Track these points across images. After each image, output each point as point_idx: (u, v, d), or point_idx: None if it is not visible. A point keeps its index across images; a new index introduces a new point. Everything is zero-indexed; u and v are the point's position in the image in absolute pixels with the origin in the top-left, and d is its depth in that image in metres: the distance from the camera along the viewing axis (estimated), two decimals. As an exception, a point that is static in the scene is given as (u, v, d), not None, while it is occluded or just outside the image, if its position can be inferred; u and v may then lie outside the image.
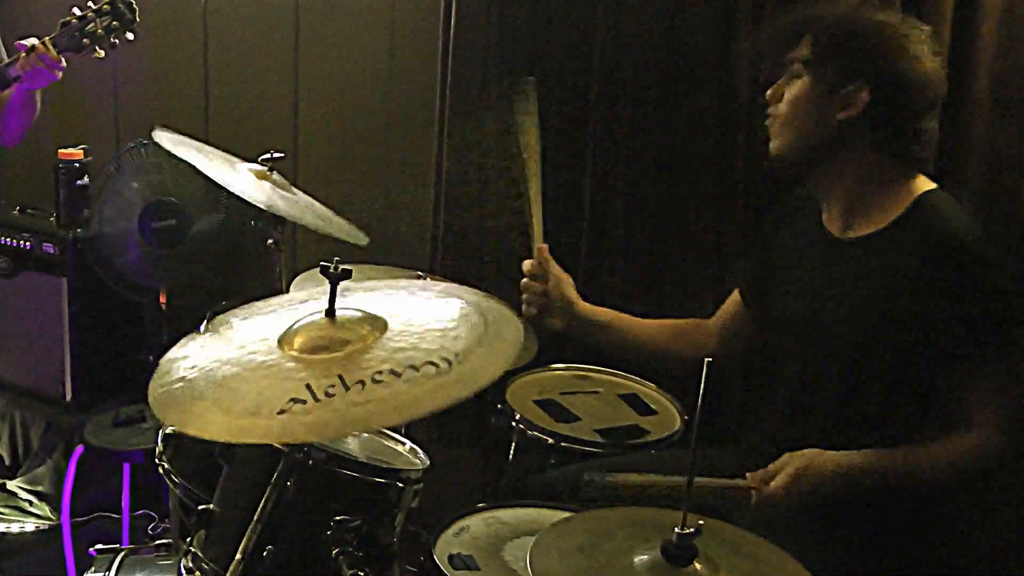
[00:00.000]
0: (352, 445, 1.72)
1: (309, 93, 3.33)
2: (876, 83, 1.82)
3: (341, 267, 1.43)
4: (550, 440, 2.20)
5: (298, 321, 1.47)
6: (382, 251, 2.54)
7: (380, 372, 1.32)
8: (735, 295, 2.25)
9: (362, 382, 1.30)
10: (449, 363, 1.31)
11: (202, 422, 1.31)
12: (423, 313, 1.48)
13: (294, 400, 1.28)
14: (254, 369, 1.38)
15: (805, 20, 1.92)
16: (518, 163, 2.18)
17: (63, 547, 2.88)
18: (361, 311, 1.47)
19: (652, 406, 2.39)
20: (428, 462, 1.69)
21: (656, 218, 2.73)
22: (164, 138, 2.21)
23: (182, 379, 1.40)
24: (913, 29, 1.86)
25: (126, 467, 2.78)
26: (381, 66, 3.19)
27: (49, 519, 3.25)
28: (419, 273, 2.47)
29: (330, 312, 1.43)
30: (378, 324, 1.43)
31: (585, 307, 2.27)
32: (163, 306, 3.19)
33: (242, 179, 2.25)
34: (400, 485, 1.57)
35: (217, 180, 2.13)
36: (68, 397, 3.32)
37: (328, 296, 1.44)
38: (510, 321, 1.45)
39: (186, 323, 3.17)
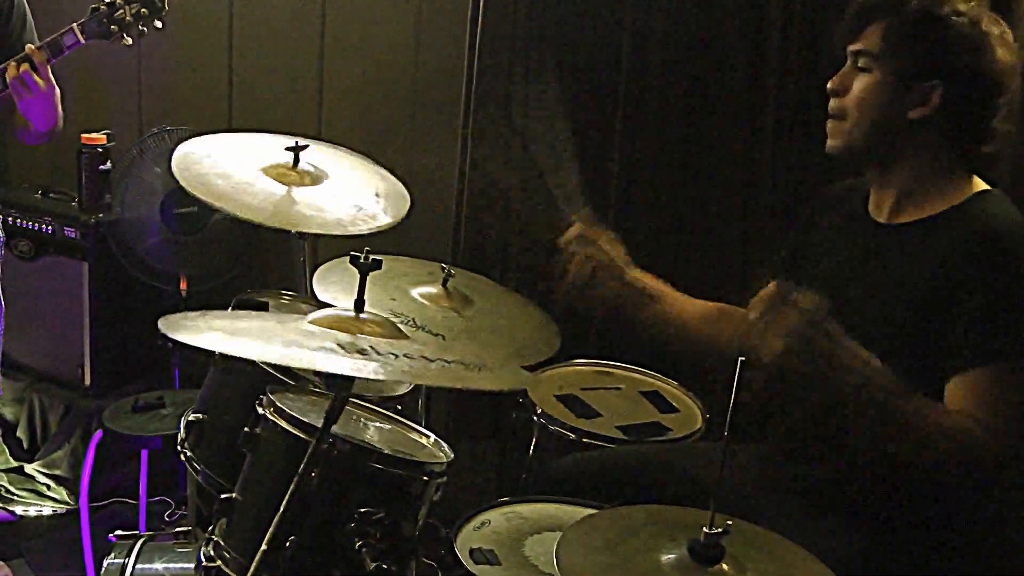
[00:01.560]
0: (375, 437, 1.71)
1: (334, 81, 3.32)
2: (952, 81, 1.74)
3: (372, 258, 1.42)
4: (572, 436, 2.19)
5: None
6: (404, 242, 2.53)
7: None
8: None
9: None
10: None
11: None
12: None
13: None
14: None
15: (875, 7, 1.80)
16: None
17: (80, 531, 2.89)
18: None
19: (674, 404, 2.38)
20: (452, 455, 1.68)
21: (683, 213, 2.71)
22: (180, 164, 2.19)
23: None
24: (993, 23, 1.77)
25: (144, 453, 2.78)
26: (407, 54, 3.18)
27: (66, 503, 3.25)
28: (442, 265, 2.46)
29: (358, 305, 1.42)
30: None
31: (637, 273, 2.15)
32: (183, 292, 3.21)
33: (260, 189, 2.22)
34: (424, 479, 1.56)
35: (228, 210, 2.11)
36: (87, 381, 3.33)
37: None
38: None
39: (207, 309, 3.23)
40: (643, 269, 2.30)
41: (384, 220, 2.23)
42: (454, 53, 2.93)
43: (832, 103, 1.85)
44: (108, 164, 3.32)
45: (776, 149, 2.58)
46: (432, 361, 1.30)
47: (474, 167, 2.84)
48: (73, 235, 3.29)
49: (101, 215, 3.29)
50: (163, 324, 1.40)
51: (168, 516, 3.14)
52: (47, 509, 3.24)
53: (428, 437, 1.75)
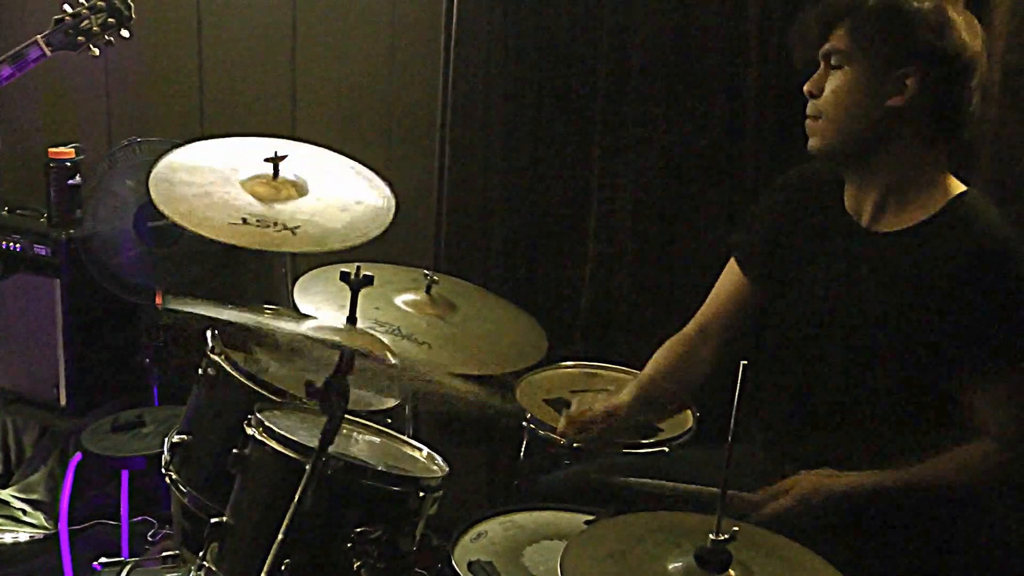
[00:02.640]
0: (368, 452, 1.67)
1: (307, 90, 3.27)
2: (925, 66, 1.75)
3: (363, 274, 1.38)
4: (562, 440, 2.16)
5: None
6: (383, 249, 2.49)
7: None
8: (732, 268, 2.12)
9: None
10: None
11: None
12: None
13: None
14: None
15: (840, 7, 1.82)
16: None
17: (60, 556, 2.82)
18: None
19: (664, 404, 2.35)
20: (447, 468, 1.64)
21: (664, 218, 2.67)
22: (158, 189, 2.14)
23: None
24: (955, 9, 1.78)
25: (124, 474, 2.72)
26: (381, 61, 3.13)
27: (44, 528, 3.18)
28: (425, 272, 2.42)
29: (351, 320, 1.37)
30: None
31: (624, 400, 2.12)
32: (159, 307, 3.15)
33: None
34: (421, 494, 1.52)
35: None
36: (62, 401, 3.26)
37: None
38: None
39: (182, 324, 3.17)
40: (623, 275, 2.29)
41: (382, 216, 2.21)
42: (431, 54, 2.89)
43: (809, 106, 1.86)
44: (78, 178, 3.25)
45: (759, 149, 2.56)
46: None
47: (453, 171, 2.80)
48: (44, 252, 3.21)
49: (72, 231, 3.21)
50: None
51: (151, 536, 3.07)
52: (24, 535, 3.16)
53: (421, 450, 1.71)
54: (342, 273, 1.40)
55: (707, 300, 2.18)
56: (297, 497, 1.36)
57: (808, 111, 1.87)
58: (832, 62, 1.82)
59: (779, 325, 2.02)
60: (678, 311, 2.31)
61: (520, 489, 2.24)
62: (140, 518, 3.08)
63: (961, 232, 1.75)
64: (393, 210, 2.25)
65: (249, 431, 1.58)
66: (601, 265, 2.73)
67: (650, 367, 2.19)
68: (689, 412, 2.30)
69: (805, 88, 1.86)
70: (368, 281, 1.39)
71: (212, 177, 2.23)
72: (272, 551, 1.37)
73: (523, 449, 2.25)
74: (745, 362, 1.27)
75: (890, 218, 1.85)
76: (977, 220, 1.76)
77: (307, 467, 1.40)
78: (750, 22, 2.49)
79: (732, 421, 1.27)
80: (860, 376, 1.83)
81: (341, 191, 2.28)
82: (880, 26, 1.77)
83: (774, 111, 2.51)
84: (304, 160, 2.33)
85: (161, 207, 2.11)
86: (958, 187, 1.83)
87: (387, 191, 2.31)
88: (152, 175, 2.20)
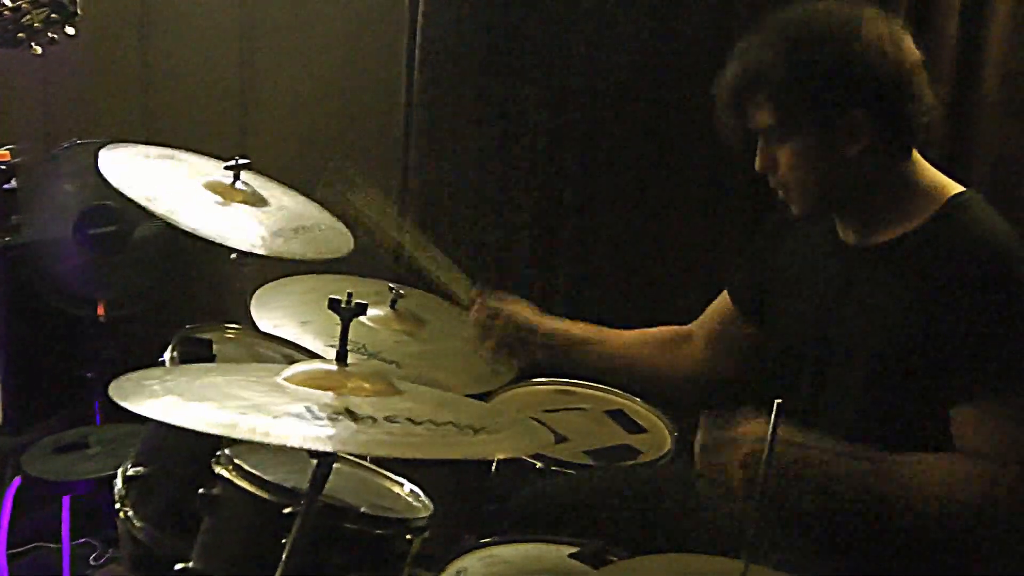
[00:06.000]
0: (347, 490, 1.56)
1: (259, 91, 3.15)
2: (867, 98, 1.64)
3: (356, 302, 1.26)
4: (538, 464, 2.07)
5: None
6: (343, 261, 2.39)
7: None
8: (724, 299, 2.09)
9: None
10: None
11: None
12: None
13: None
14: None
15: (747, 82, 1.68)
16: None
17: (-1, 583, 2.67)
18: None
19: (641, 423, 2.28)
20: (432, 507, 1.53)
21: (644, 223, 2.61)
22: (108, 163, 2.01)
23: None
24: (854, 14, 1.66)
25: (65, 501, 2.58)
26: (339, 61, 3.02)
27: (-21, 553, 3.01)
28: (390, 285, 2.31)
29: (341, 356, 1.26)
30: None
31: (557, 326, 2.14)
32: (102, 319, 3.01)
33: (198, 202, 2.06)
34: (408, 537, 1.42)
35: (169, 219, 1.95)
36: (0, 419, 3.09)
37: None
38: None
39: (128, 337, 3.04)
40: (601, 282, 2.23)
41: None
42: (392, 54, 2.79)
43: (771, 180, 1.76)
44: (14, 182, 3.08)
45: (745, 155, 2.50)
46: (418, 424, 1.15)
47: (418, 176, 2.70)
48: (-22, 261, 3.05)
49: (9, 238, 3.05)
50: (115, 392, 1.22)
51: (94, 560, 2.92)
52: (-43, 561, 2.99)
53: (402, 485, 1.61)
54: (331, 300, 1.29)
55: (706, 310, 2.14)
56: (287, 550, 1.24)
57: (772, 185, 1.77)
58: (771, 139, 1.71)
59: (774, 351, 1.95)
60: (661, 321, 2.24)
61: (491, 515, 2.16)
62: (82, 540, 2.92)
63: (956, 239, 1.66)
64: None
65: (218, 470, 1.46)
66: (577, 275, 2.66)
67: (630, 332, 2.18)
68: (667, 431, 2.25)
69: (757, 167, 1.75)
70: (361, 310, 1.28)
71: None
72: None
73: (493, 472, 2.17)
74: (779, 401, 1.19)
75: (880, 230, 1.75)
76: (971, 223, 1.67)
77: (290, 512, 1.29)
78: (737, 20, 2.43)
79: (764, 465, 1.18)
80: (855, 396, 1.75)
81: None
82: (801, 90, 1.64)
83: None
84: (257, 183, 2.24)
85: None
86: (953, 189, 1.73)
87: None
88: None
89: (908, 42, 1.68)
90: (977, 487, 1.60)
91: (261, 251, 2.02)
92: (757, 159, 1.74)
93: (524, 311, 2.15)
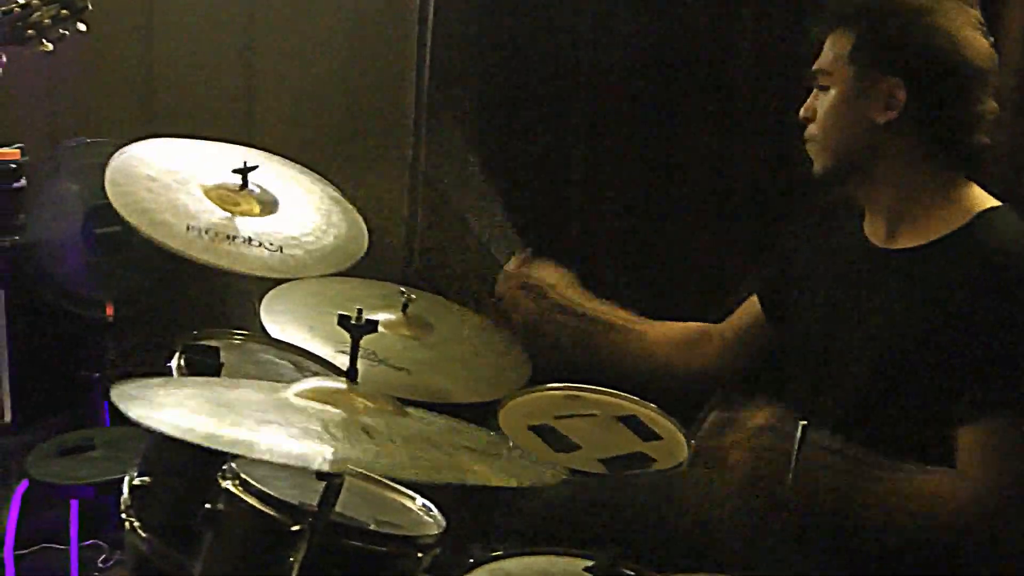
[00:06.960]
0: (355, 505, 1.53)
1: (265, 90, 3.13)
2: (910, 73, 1.68)
3: (366, 319, 1.22)
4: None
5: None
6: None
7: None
8: (752, 303, 2.09)
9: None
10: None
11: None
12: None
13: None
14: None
15: (830, 20, 1.78)
16: None
17: (4, 584, 2.66)
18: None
19: (655, 430, 2.23)
20: (444, 523, 1.50)
21: (650, 224, 2.60)
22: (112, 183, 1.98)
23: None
24: (938, 3, 1.70)
25: (74, 503, 2.56)
26: (345, 56, 3.01)
27: (-14, 553, 3.00)
28: (401, 289, 2.27)
29: (351, 373, 1.23)
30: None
31: (595, 304, 2.14)
32: (110, 319, 3.00)
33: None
34: (419, 555, 1.39)
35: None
36: (7, 418, 3.07)
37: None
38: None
39: (134, 338, 3.02)
40: (611, 289, 2.19)
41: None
42: (400, 49, 2.76)
43: (807, 130, 1.82)
44: (22, 181, 3.06)
45: (749, 154, 2.48)
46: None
47: (428, 183, 2.67)
48: (-14, 260, 3.03)
49: (16, 238, 3.03)
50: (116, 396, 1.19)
51: (102, 562, 2.93)
52: (-37, 561, 2.99)
53: (414, 499, 1.57)
54: (340, 316, 1.26)
55: (734, 312, 2.13)
56: (300, 560, 1.21)
57: (805, 135, 1.82)
58: (819, 83, 1.78)
59: (791, 348, 1.95)
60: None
61: (501, 525, 2.13)
62: (90, 542, 2.93)
63: (980, 252, 1.66)
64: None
65: (224, 484, 1.43)
66: (584, 275, 2.62)
67: (663, 324, 2.17)
68: (682, 437, 2.20)
69: (800, 114, 1.82)
70: (372, 328, 1.24)
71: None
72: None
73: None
74: (805, 422, 1.16)
75: (906, 235, 1.77)
76: (995, 238, 1.67)
77: (298, 530, 1.26)
78: (742, 21, 2.41)
79: (790, 476, 1.15)
80: (862, 397, 1.74)
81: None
82: (861, 37, 1.72)
83: (767, 109, 2.44)
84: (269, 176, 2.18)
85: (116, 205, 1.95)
86: (987, 202, 1.74)
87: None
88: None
89: (982, 51, 1.71)
90: (967, 508, 1.57)
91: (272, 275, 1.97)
92: (803, 107, 1.82)
93: (561, 284, 2.13)
